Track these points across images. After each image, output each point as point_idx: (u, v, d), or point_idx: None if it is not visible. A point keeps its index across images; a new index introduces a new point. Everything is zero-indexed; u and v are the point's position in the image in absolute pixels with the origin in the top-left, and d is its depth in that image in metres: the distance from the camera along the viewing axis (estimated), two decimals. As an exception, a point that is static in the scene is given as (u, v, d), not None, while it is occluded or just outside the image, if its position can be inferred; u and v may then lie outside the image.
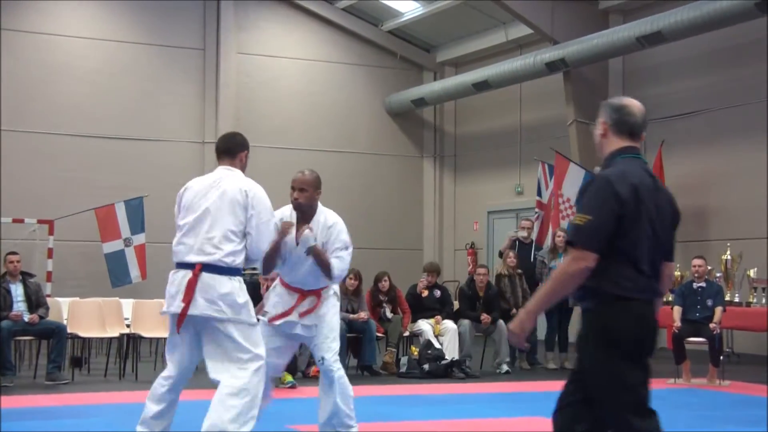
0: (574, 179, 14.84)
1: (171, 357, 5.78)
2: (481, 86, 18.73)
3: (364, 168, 20.57)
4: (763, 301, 13.43)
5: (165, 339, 12.08)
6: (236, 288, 5.57)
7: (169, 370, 5.77)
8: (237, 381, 5.49)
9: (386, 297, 12.52)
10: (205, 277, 5.49)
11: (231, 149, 5.97)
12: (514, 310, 12.61)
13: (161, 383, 5.77)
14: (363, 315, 11.90)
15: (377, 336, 12.07)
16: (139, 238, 15.60)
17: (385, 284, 12.52)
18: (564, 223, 14.27)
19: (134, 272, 15.56)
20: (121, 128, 18.67)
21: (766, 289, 13.51)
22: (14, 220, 16.28)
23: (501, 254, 14.05)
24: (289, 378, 10.37)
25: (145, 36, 19.14)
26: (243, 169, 5.95)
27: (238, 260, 5.63)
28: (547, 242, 13.99)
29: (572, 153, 16.74)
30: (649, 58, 16.55)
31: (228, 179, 5.75)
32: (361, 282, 12.22)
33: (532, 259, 13.38)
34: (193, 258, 5.54)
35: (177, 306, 5.52)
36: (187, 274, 5.52)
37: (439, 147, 21.58)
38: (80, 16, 18.75)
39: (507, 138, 19.66)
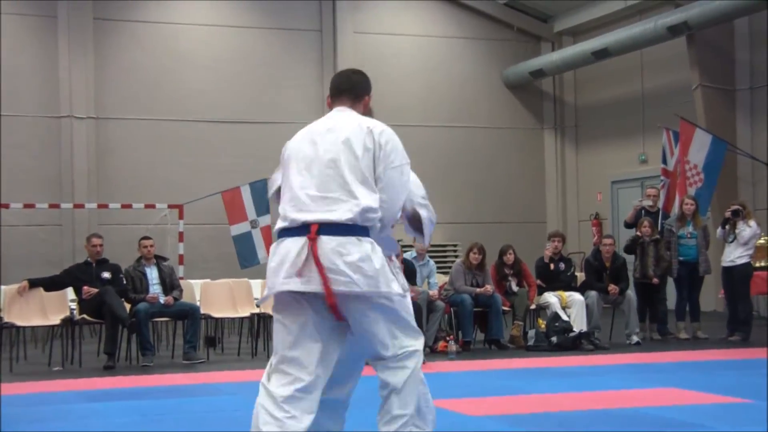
0: (701, 145, 14.50)
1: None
2: (601, 54, 18.45)
3: (484, 142, 20.50)
4: None
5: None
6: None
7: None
8: None
9: (511, 270, 12.51)
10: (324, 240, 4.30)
11: (355, 88, 4.78)
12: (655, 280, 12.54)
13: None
14: (489, 288, 11.93)
15: (503, 310, 12.08)
16: (265, 220, 15.83)
17: (510, 257, 12.50)
18: (692, 190, 13.98)
19: (261, 253, 15.82)
20: (243, 112, 19.05)
21: None
22: (146, 206, 16.79)
23: (626, 224, 13.86)
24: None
25: (262, 20, 19.45)
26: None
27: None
28: (675, 210, 13.72)
29: (698, 118, 16.37)
30: (778, 16, 16.04)
31: (344, 120, 4.57)
32: (485, 256, 12.24)
33: (659, 228, 13.15)
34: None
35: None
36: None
37: (559, 118, 21.35)
38: (200, 3, 19.18)
39: (629, 106, 19.32)
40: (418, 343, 4.47)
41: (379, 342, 4.38)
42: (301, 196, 4.37)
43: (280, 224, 4.43)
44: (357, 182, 4.34)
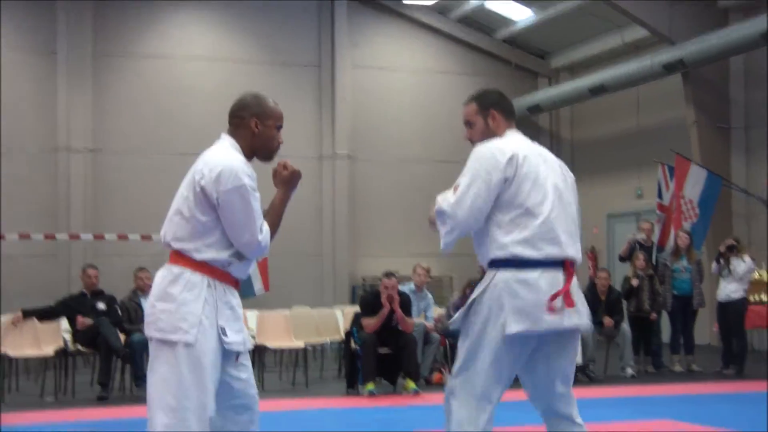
0: (696, 180, 14.53)
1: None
2: (598, 90, 18.49)
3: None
4: None
5: (290, 350, 12.31)
6: None
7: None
8: None
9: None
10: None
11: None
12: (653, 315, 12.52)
13: None
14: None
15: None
16: (262, 252, 15.84)
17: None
18: (687, 225, 13.98)
19: (257, 285, 15.69)
20: (242, 146, 19.04)
21: None
22: (142, 237, 16.79)
23: (621, 258, 13.85)
24: (412, 385, 10.42)
25: (262, 55, 19.55)
26: None
27: None
28: (670, 244, 13.71)
29: (693, 154, 16.39)
30: (773, 54, 16.08)
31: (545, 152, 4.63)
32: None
33: (654, 262, 13.14)
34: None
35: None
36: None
37: (555, 153, 20.69)
38: (201, 39, 19.30)
39: (625, 141, 19.35)
40: None
41: (561, 379, 4.31)
42: (557, 228, 4.23)
43: (524, 252, 4.17)
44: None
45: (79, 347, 11.02)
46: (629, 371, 11.99)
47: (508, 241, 4.16)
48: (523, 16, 20.02)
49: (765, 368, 12.28)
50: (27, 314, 11.18)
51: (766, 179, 15.75)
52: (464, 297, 12.04)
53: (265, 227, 4.17)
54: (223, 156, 4.18)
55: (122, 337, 10.96)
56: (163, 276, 4.15)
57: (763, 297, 14.09)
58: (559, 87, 20.30)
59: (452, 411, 4.33)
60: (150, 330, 4.06)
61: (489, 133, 4.49)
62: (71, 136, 18.09)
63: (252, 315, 12.82)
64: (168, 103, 18.86)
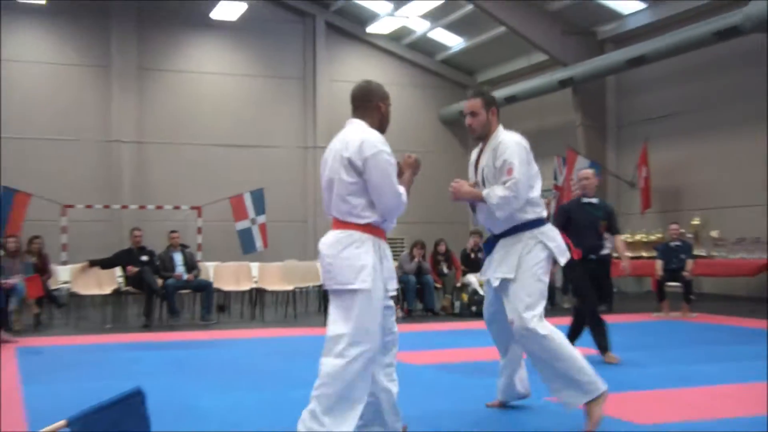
0: (581, 167, 14.78)
1: None
2: (511, 99, 18.56)
3: (424, 163, 20.47)
4: (723, 254, 13.33)
5: (283, 291, 12.41)
6: None
7: None
8: None
9: (443, 257, 12.67)
10: None
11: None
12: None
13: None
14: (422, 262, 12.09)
15: (437, 287, 12.26)
16: (261, 218, 15.84)
17: (442, 247, 12.66)
18: (574, 201, 14.21)
19: (258, 243, 15.83)
20: (244, 139, 19.07)
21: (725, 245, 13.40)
22: (174, 207, 16.81)
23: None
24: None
25: (259, 70, 19.48)
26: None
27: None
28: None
29: (580, 147, 16.67)
30: (637, 74, 16.36)
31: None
32: (425, 249, 12.40)
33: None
34: None
35: None
36: None
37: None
38: (213, 57, 19.18)
39: (530, 138, 19.20)
40: None
41: None
42: None
43: (541, 213, 4.64)
44: None
45: (129, 289, 11.11)
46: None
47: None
48: (456, 42, 20.10)
49: (629, 305, 12.65)
50: (92, 264, 11.24)
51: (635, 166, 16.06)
52: (412, 254, 12.26)
53: (402, 189, 3.83)
54: (361, 131, 3.83)
55: (159, 281, 11.07)
56: (329, 242, 3.77)
57: (643, 253, 14.31)
58: (482, 96, 20.33)
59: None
60: (330, 283, 3.72)
61: (487, 125, 4.64)
62: (122, 131, 18.02)
63: (255, 266, 12.91)
64: (191, 106, 18.80)
